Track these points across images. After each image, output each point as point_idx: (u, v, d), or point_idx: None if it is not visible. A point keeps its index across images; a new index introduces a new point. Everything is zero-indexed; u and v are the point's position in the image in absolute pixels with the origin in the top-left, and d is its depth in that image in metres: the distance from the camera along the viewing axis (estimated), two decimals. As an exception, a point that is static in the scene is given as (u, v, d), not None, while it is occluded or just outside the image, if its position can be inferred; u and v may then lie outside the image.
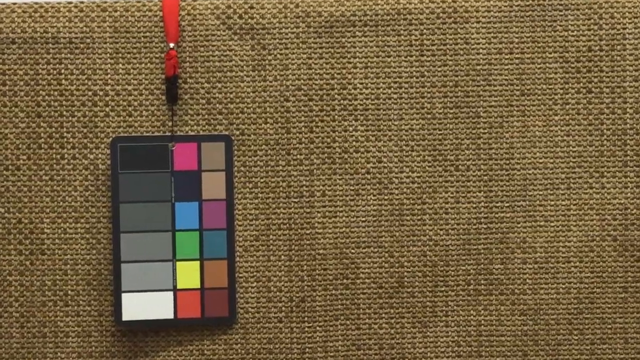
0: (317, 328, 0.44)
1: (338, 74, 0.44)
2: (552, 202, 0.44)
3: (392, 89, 0.44)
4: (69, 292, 0.44)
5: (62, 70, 0.44)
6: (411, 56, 0.44)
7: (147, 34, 0.44)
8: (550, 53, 0.44)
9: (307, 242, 0.45)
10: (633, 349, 0.44)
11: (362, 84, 0.44)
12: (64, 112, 0.44)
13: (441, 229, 0.44)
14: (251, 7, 0.44)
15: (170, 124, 0.44)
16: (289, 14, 0.44)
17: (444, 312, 0.45)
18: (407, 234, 0.44)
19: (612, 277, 0.44)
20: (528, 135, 0.44)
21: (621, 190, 0.44)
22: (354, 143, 0.44)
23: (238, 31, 0.44)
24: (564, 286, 0.44)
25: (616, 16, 0.44)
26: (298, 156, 0.44)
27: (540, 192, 0.44)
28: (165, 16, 0.44)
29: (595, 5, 0.44)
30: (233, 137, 0.44)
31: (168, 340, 0.44)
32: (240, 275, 0.44)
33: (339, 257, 0.45)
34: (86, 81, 0.44)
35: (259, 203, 0.44)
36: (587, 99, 0.44)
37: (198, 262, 0.44)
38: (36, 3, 0.44)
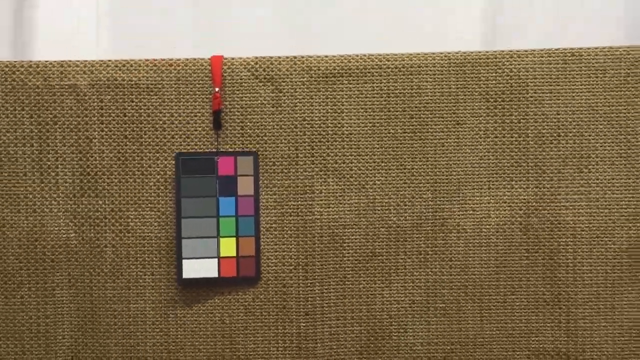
0: (316, 284, 0.63)
1: (331, 109, 0.63)
2: (478, 198, 0.63)
3: (368, 119, 0.63)
4: (146, 258, 0.63)
5: (142, 106, 0.62)
6: (381, 97, 0.63)
7: (200, 81, 0.63)
8: (476, 95, 0.63)
9: (309, 225, 0.63)
10: (532, 298, 0.63)
11: (347, 116, 0.63)
12: (143, 135, 0.63)
13: (401, 216, 0.63)
14: (271, 63, 0.63)
15: (216, 143, 0.63)
16: (297, 67, 0.63)
17: (403, 272, 0.63)
18: (377, 220, 0.63)
19: (518, 249, 0.63)
20: (461, 152, 0.63)
21: (525, 190, 0.63)
22: (342, 157, 0.63)
23: (262, 79, 0.63)
24: (485, 255, 0.63)
25: (521, 70, 0.63)
26: (303, 166, 0.63)
27: (470, 191, 0.63)
28: (212, 69, 0.62)
29: (507, 62, 0.63)
30: (259, 153, 0.63)
31: (214, 292, 0.63)
32: (264, 247, 0.63)
33: (331, 236, 0.63)
34: (158, 114, 0.63)
35: (276, 198, 0.63)
36: (502, 127, 0.63)
37: (235, 239, 0.63)
38: (124, 60, 0.62)
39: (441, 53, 0.63)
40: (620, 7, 0.68)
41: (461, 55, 0.63)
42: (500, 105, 0.63)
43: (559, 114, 0.63)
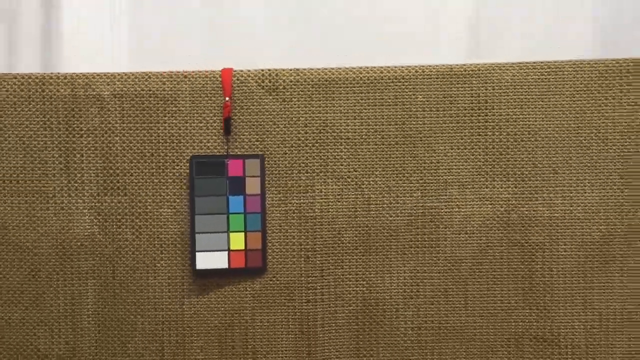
0: (317, 274, 0.70)
1: (330, 116, 0.69)
2: (463, 196, 0.70)
3: (363, 125, 0.70)
4: (164, 251, 0.69)
5: (160, 114, 0.69)
6: (375, 105, 0.70)
7: (212, 91, 0.69)
8: (461, 103, 0.69)
9: (311, 221, 0.70)
10: (512, 287, 0.70)
11: (344, 122, 0.70)
12: (160, 140, 0.69)
13: (394, 213, 0.70)
14: (277, 75, 0.70)
15: (226, 147, 0.70)
16: (299, 79, 0.70)
17: (395, 264, 0.70)
18: (372, 216, 0.70)
19: (500, 242, 0.70)
20: (447, 155, 0.70)
21: (505, 189, 0.70)
22: (339, 159, 0.70)
23: (268, 90, 0.70)
24: (469, 248, 0.70)
25: (501, 80, 0.69)
26: (305, 167, 0.70)
27: (455, 190, 0.70)
28: (223, 80, 0.69)
29: (489, 74, 0.69)
30: (265, 156, 0.70)
31: (224, 282, 0.69)
32: (269, 241, 0.70)
33: (330, 230, 0.70)
34: (174, 121, 0.69)
35: (281, 197, 0.70)
36: (484, 132, 0.70)
37: (243, 233, 0.69)
38: (144, 72, 0.69)
39: (429, 65, 0.70)
40: (592, 18, 0.75)
41: (447, 68, 0.70)
42: (482, 112, 0.70)
43: (535, 120, 0.70)
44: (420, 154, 0.70)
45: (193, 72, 0.69)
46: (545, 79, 0.69)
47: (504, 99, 0.69)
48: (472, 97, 0.70)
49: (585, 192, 0.70)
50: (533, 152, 0.70)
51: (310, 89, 0.69)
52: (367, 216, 0.70)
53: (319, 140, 0.70)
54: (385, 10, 0.76)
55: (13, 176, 0.68)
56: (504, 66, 0.70)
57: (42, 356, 0.69)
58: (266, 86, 0.69)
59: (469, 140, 0.70)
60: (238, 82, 0.69)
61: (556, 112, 0.70)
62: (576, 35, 0.73)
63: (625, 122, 0.70)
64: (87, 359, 0.69)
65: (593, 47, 0.74)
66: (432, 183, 0.70)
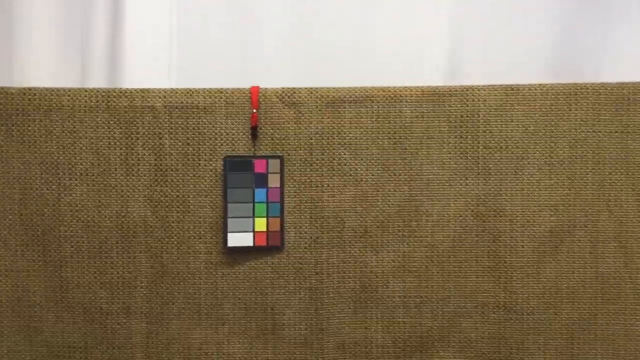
0: (324, 252, 0.87)
1: (336, 126, 0.86)
2: (442, 191, 0.86)
3: (362, 134, 0.86)
4: (202, 231, 0.87)
5: (200, 122, 0.86)
6: (372, 118, 0.86)
7: (242, 104, 0.86)
8: (442, 117, 0.86)
9: (319, 209, 0.87)
10: (480, 265, 0.87)
11: (347, 131, 0.87)
12: (201, 143, 0.86)
13: (386, 204, 0.87)
14: (294, 92, 0.86)
15: (253, 149, 0.87)
16: (312, 95, 0.87)
17: (387, 245, 0.87)
18: (369, 206, 0.86)
19: (471, 229, 0.87)
20: (430, 158, 0.86)
21: (475, 186, 0.87)
22: (343, 160, 0.87)
23: (287, 104, 0.87)
24: (446, 233, 0.87)
25: (475, 99, 0.86)
26: (315, 166, 0.87)
27: (436, 186, 0.86)
28: (251, 95, 0.86)
29: (465, 93, 0.86)
30: (284, 157, 0.87)
31: (250, 257, 0.87)
32: (286, 225, 0.87)
33: (335, 217, 0.87)
34: (212, 128, 0.86)
35: (296, 189, 0.87)
36: (460, 140, 0.86)
37: (265, 218, 0.86)
38: (188, 88, 0.86)
39: (417, 87, 0.86)
40: (548, 48, 0.92)
41: (431, 88, 0.86)
42: (459, 124, 0.87)
43: (501, 132, 0.86)
44: (408, 156, 0.87)
45: (227, 88, 0.86)
46: (510, 98, 0.86)
47: (476, 114, 0.86)
48: (450, 112, 0.86)
49: (539, 190, 0.87)
50: (499, 157, 0.87)
51: (321, 103, 0.86)
52: (365, 206, 0.87)
53: (327, 145, 0.87)
54: (379, 42, 0.93)
55: (84, 170, 0.86)
56: (476, 87, 0.86)
57: (103, 313, 0.87)
58: (285, 101, 0.86)
59: (447, 146, 0.87)
60: (263, 97, 0.86)
61: (518, 125, 0.86)
62: (531, 61, 0.91)
63: (574, 135, 0.87)
64: (138, 317, 0.87)
65: (545, 71, 0.91)
66: (417, 180, 0.87)
